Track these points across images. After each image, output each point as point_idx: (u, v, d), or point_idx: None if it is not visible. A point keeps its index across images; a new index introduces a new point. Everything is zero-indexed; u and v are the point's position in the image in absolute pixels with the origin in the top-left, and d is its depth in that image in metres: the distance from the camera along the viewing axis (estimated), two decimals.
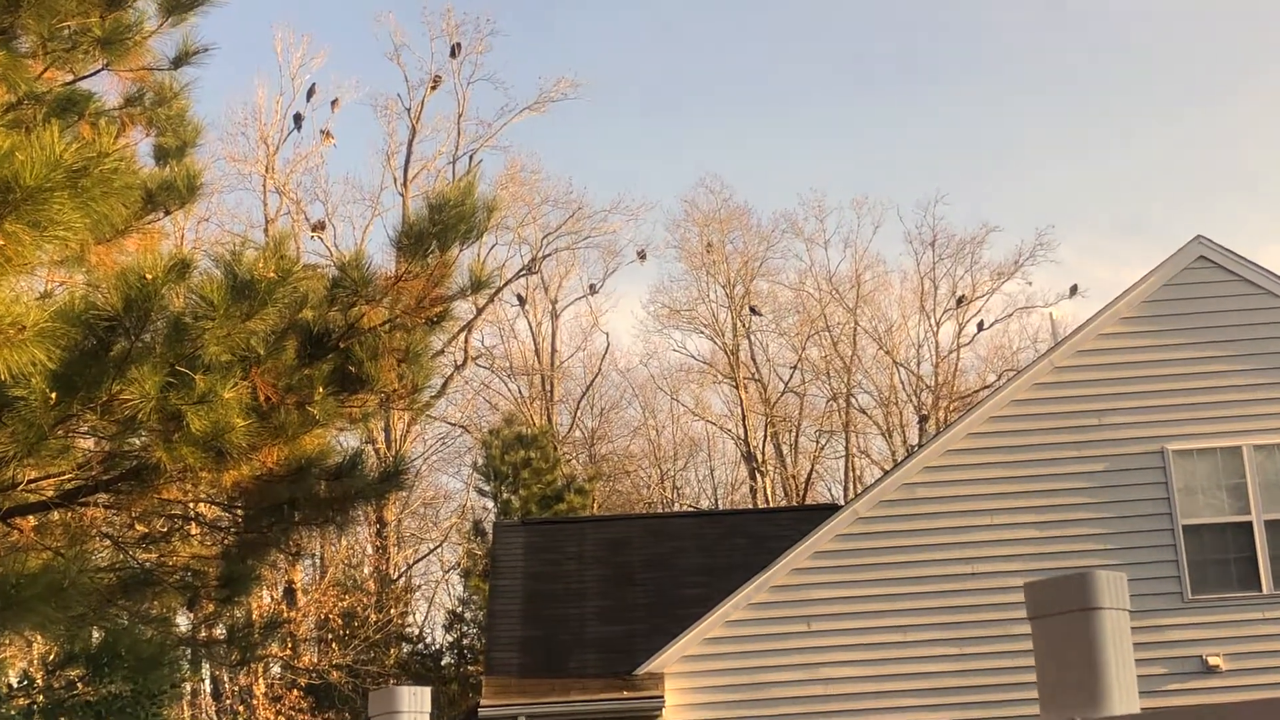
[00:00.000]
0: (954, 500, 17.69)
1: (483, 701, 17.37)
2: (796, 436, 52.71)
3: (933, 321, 51.56)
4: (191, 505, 12.22)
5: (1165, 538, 17.26)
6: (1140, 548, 17.21)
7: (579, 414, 51.74)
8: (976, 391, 49.37)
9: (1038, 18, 72.04)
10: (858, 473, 51.72)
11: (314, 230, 45.06)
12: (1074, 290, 49.98)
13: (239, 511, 11.73)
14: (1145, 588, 16.84)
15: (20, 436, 8.68)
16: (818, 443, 52.76)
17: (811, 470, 52.29)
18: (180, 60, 11.59)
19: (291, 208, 45.66)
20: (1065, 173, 72.01)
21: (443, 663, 38.07)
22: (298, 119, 45.54)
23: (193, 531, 12.96)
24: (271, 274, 8.91)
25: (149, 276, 8.54)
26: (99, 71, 11.23)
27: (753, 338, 52.70)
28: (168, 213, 11.88)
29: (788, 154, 72.29)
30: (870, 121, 72.79)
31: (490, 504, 40.17)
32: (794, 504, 48.22)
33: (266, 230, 42.85)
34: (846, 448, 51.59)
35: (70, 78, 11.24)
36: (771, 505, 47.96)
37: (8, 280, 7.22)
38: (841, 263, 54.59)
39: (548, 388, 50.68)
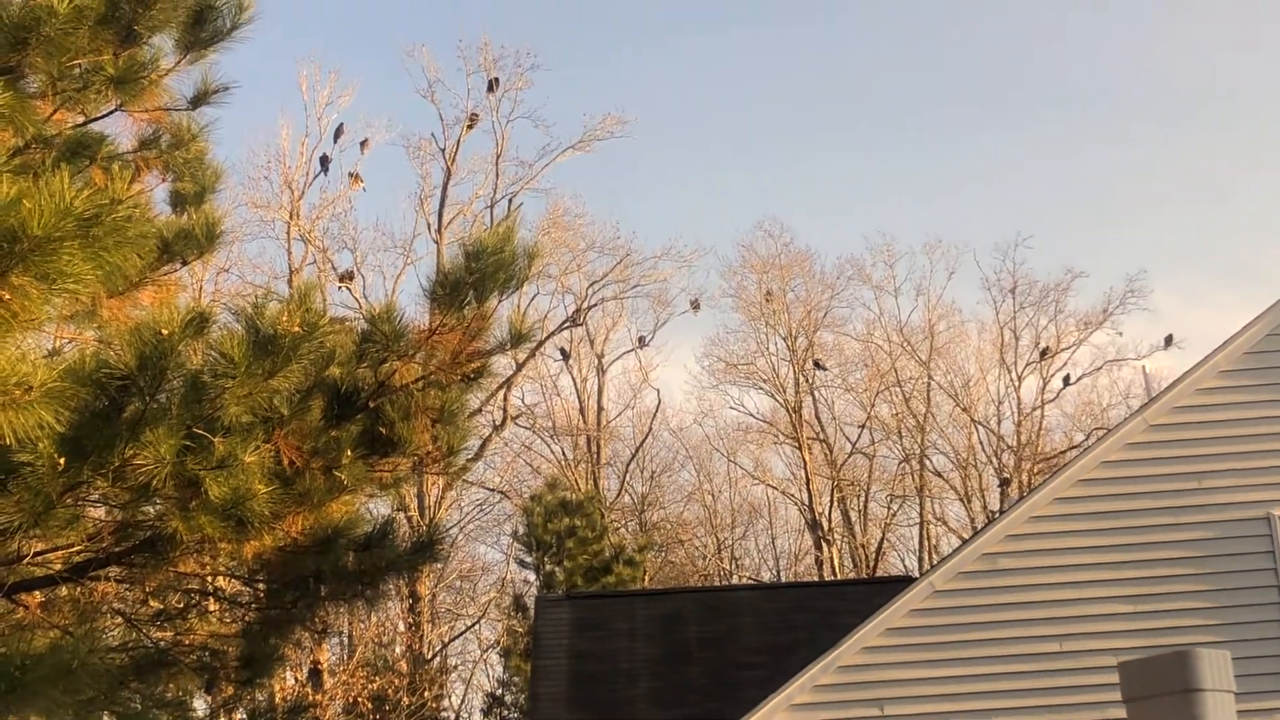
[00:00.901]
0: (1040, 572, 17.53)
1: None
2: (866, 502, 52.51)
3: (1014, 376, 51.36)
4: (210, 579, 12.27)
5: (1272, 612, 17.03)
6: (1245, 623, 16.99)
7: (628, 478, 51.75)
8: (1063, 452, 49.01)
9: (1127, 52, 72.03)
10: (933, 542, 51.41)
11: (341, 281, 45.37)
12: (1169, 341, 49.65)
13: (261, 586, 11.75)
14: (1251, 667, 16.60)
15: (26, 505, 8.73)
16: (889, 509, 52.57)
17: (882, 539, 52.02)
18: (199, 100, 11.70)
19: (317, 256, 46.04)
20: (1159, 214, 71.77)
21: None
22: (324, 161, 45.97)
23: (211, 608, 12.99)
24: (296, 328, 8.95)
25: (165, 332, 8.60)
26: (112, 112, 11.35)
27: (817, 394, 52.63)
28: (185, 263, 11.98)
29: (853, 195, 72.46)
30: (944, 160, 72.88)
31: (532, 576, 40.16)
32: (863, 576, 47.89)
33: (291, 281, 43.19)
34: (921, 514, 51.31)
35: (81, 119, 11.36)
36: (839, 577, 47.67)
37: (13, 337, 7.29)
38: (913, 312, 54.58)
39: (594, 449, 50.70)
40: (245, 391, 9.01)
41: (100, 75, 10.63)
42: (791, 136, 74.28)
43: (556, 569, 37.97)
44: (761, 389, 52.35)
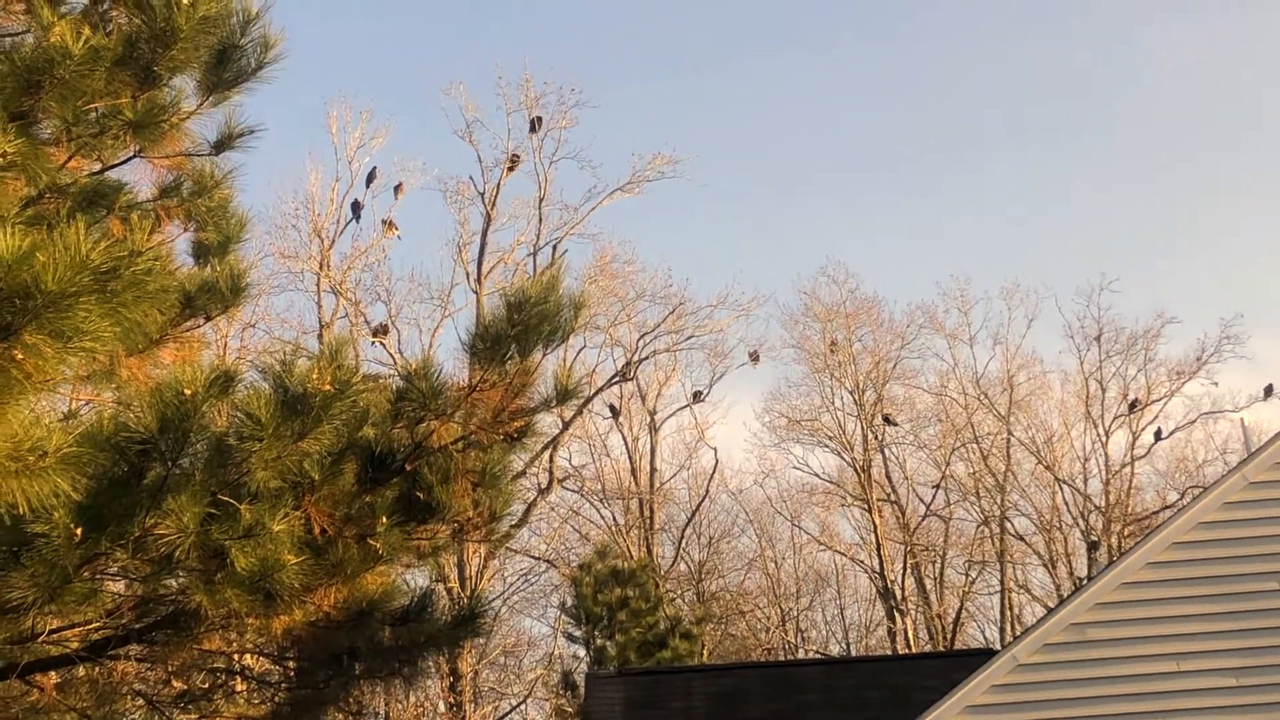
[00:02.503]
0: (1133, 643, 17.36)
1: None
2: (942, 569, 52.19)
3: (1101, 430, 51.04)
4: (237, 657, 12.28)
5: None
6: None
7: (684, 544, 51.61)
8: (1155, 513, 48.62)
9: (1217, 74, 71.84)
10: (1015, 611, 51.01)
11: (375, 335, 45.55)
12: (1269, 392, 49.23)
13: (291, 664, 11.76)
14: None
15: (41, 580, 8.75)
16: (967, 576, 52.25)
17: (960, 609, 51.66)
18: (223, 144, 11.77)
19: (349, 309, 46.26)
20: (1255, 254, 71.33)
21: None
22: (356, 208, 46.23)
23: (238, 688, 13.00)
24: (327, 386, 8.99)
25: (187, 392, 8.64)
26: (130, 159, 11.43)
27: (887, 452, 52.48)
28: (209, 318, 12.06)
29: (923, 237, 72.35)
30: (1019, 197, 72.75)
31: (581, 651, 40.03)
32: (940, 649, 47.59)
33: (321, 336, 43.39)
34: (1002, 581, 50.92)
35: (98, 166, 11.46)
36: (914, 651, 47.35)
37: (27, 399, 7.32)
38: (990, 362, 54.45)
39: (647, 514, 50.61)
40: (273, 455, 9.04)
41: (118, 120, 10.69)
42: (851, 171, 74.46)
43: (608, 643, 37.85)
44: (827, 447, 52.27)
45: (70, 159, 10.80)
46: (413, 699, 39.92)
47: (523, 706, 46.84)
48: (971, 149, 75.41)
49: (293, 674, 11.87)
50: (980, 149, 75.25)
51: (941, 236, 73.27)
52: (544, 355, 10.64)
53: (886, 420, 51.20)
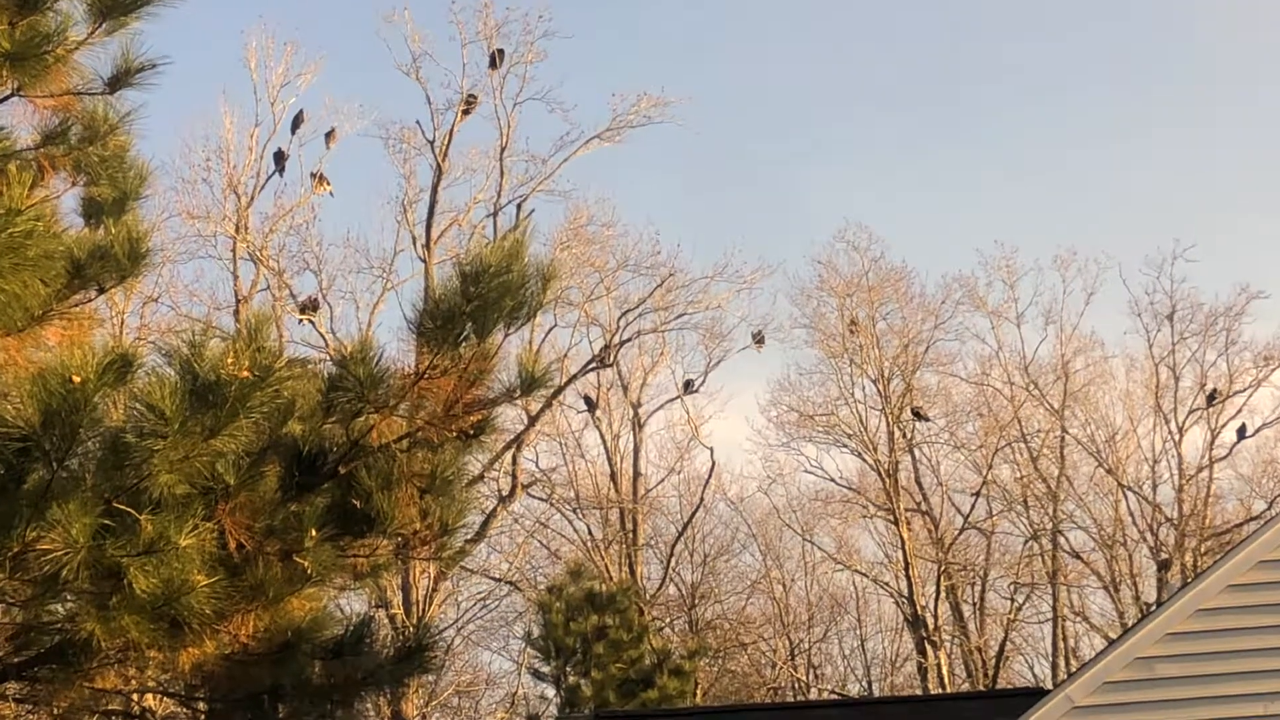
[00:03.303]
0: (1210, 681, 17.41)
1: None
2: (983, 592, 52.28)
3: (1174, 427, 51.12)
4: (136, 697, 12.27)
5: None
6: None
7: (674, 563, 51.63)
8: (1238, 526, 48.71)
9: None
10: (1070, 643, 51.14)
11: (303, 312, 45.50)
12: None
13: (201, 705, 11.77)
14: None
15: None
16: (1013, 601, 52.28)
17: (1004, 640, 51.75)
18: (119, 81, 11.72)
19: (272, 281, 46.18)
20: None
21: None
22: (279, 158, 46.10)
23: None
24: (245, 373, 8.99)
25: (76, 379, 8.63)
26: (7, 98, 11.40)
27: (918, 453, 52.48)
28: (102, 290, 12.01)
29: (960, 194, 72.37)
30: (1075, 146, 72.77)
31: (550, 691, 40.07)
32: (981, 688, 47.64)
33: (238, 313, 43.32)
34: (1054, 608, 51.03)
35: None
36: (949, 690, 47.42)
37: None
38: (1042, 344, 54.20)
39: (629, 526, 50.63)
40: (180, 455, 9.03)
41: None
42: (871, 117, 74.48)
43: (582, 681, 37.88)
44: (845, 447, 52.25)
45: None
46: None
47: None
48: (1016, 90, 75.53)
49: (203, 717, 11.88)
50: (1027, 90, 75.37)
51: (981, 194, 73.40)
52: (506, 336, 10.66)
53: (916, 415, 51.17)
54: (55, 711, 11.94)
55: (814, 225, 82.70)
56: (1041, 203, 72.94)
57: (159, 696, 12.40)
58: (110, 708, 12.18)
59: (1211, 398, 50.70)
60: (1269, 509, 47.41)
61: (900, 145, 75.21)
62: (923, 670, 49.85)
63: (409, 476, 10.75)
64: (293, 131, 46.50)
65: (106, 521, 8.98)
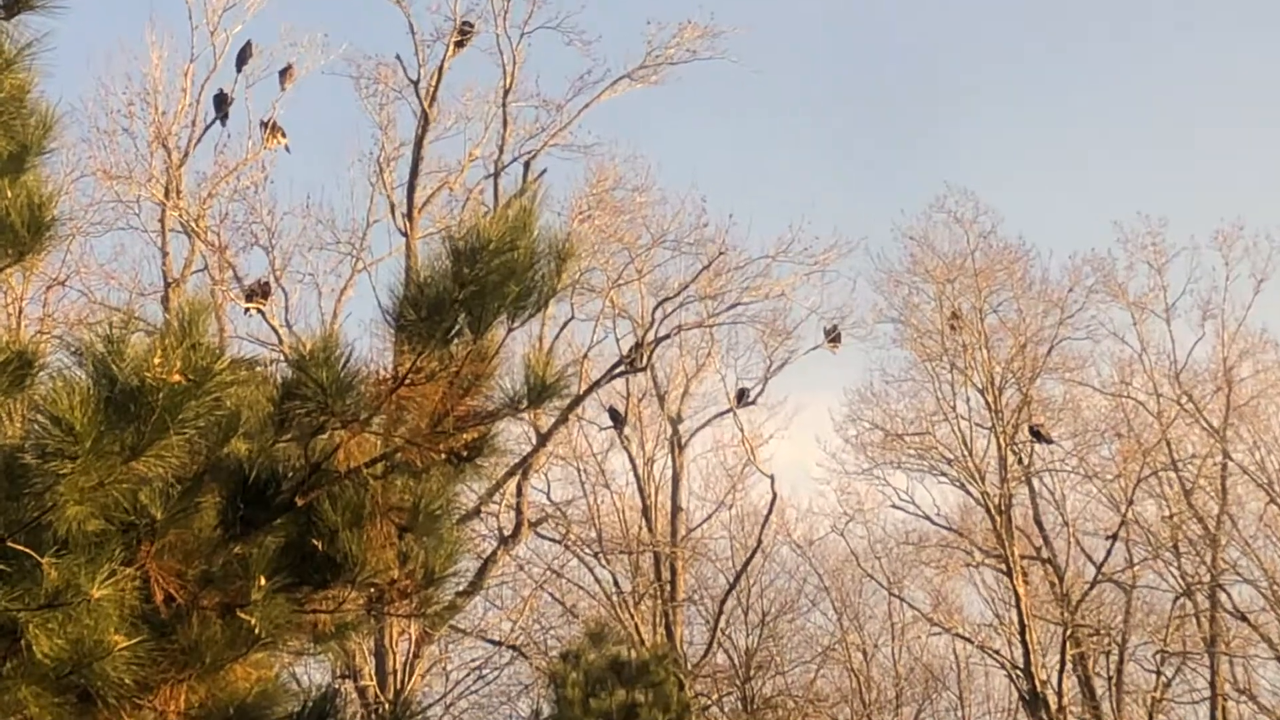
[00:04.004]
0: None
1: None
2: (1120, 663, 52.19)
3: None
4: None
5: None
6: None
7: (724, 623, 51.64)
8: None
9: None
10: None
11: (250, 299, 45.40)
12: None
13: None
14: None
15: None
16: (1159, 674, 52.21)
17: None
18: (17, 3, 11.77)
19: (211, 259, 46.20)
20: None
21: None
22: (221, 103, 45.97)
23: None
24: (176, 376, 8.99)
25: None
26: None
27: (1037, 484, 52.40)
28: None
29: (1093, 155, 72.18)
30: (1242, 91, 72.66)
31: None
32: None
33: (168, 300, 43.40)
34: (1213, 683, 51.02)
35: None
36: None
37: None
38: (1198, 344, 54.11)
39: (666, 576, 50.64)
40: (93, 481, 9.05)
41: None
42: (974, 57, 74.41)
43: None
44: (944, 476, 52.20)
45: None
46: None
47: None
48: (1173, 26, 75.46)
49: None
50: (1176, 25, 75.30)
51: (1120, 152, 73.26)
52: (510, 331, 10.62)
53: (1036, 435, 51.02)
54: None
55: (903, 191, 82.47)
56: (1199, 164, 72.88)
57: None
58: None
59: None
60: None
61: (1017, 92, 75.13)
62: None
63: (385, 510, 10.74)
64: (238, 69, 46.20)
65: (0, 566, 9.02)
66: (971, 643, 53.34)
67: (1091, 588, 52.06)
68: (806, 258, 49.57)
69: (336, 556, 10.62)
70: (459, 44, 47.37)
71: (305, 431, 10.46)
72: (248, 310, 45.33)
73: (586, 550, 50.71)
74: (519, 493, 46.48)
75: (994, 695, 55.19)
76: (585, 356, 47.79)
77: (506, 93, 47.89)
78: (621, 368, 48.85)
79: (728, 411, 51.69)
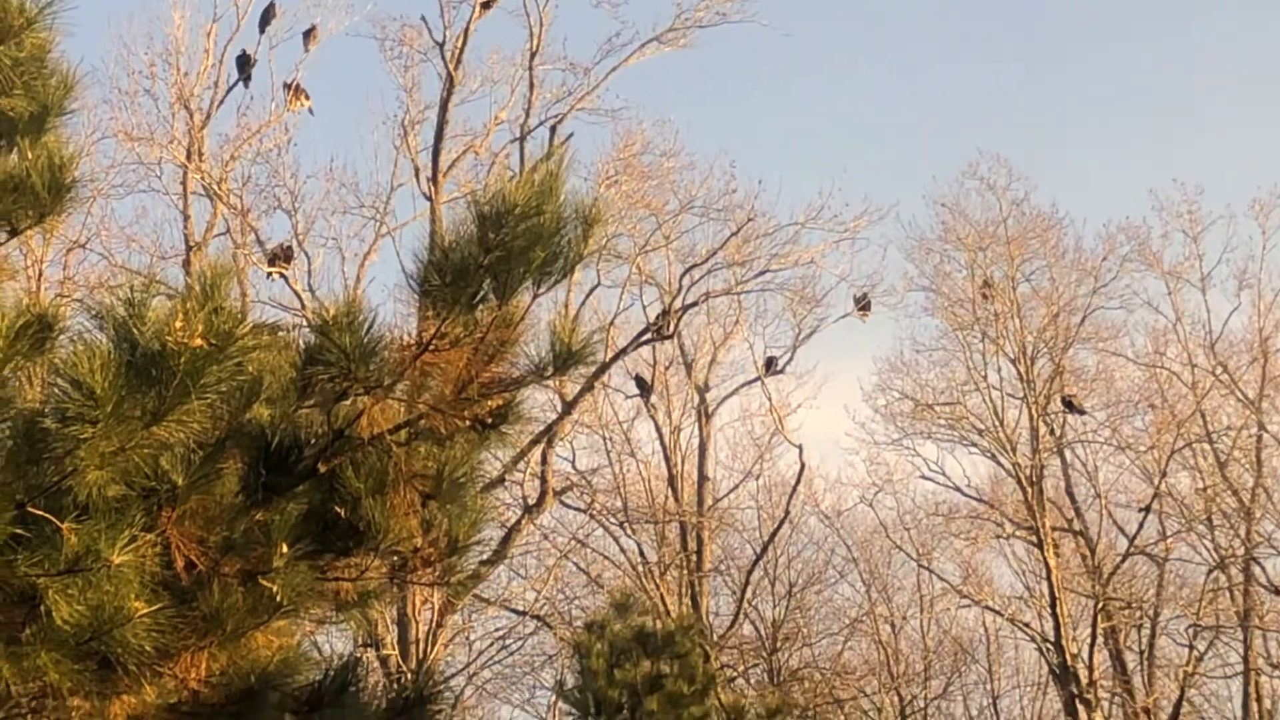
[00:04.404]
0: None
1: None
2: (1153, 637, 52.15)
3: None
4: None
5: None
6: None
7: (751, 594, 51.59)
8: None
9: None
10: (1266, 703, 50.97)
11: (273, 264, 45.32)
12: None
13: None
14: None
15: None
16: (1192, 648, 52.10)
17: (1181, 698, 51.62)
18: None
19: (234, 222, 46.19)
20: None
21: None
22: (244, 64, 45.86)
23: None
24: (198, 341, 8.98)
25: None
26: None
27: (1070, 454, 52.31)
28: (15, 232, 12.06)
29: (1126, 119, 72.02)
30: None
31: None
32: None
33: (189, 263, 43.40)
34: (1246, 658, 50.94)
35: None
36: None
37: None
38: (1234, 314, 53.96)
39: (692, 547, 50.61)
40: (113, 446, 9.05)
41: None
42: (1020, 25, 74.19)
43: None
44: (975, 446, 52.12)
45: None
46: None
47: None
48: None
49: None
50: None
51: (1155, 117, 73.03)
52: (535, 297, 10.58)
53: (1069, 406, 50.90)
54: None
55: (936, 156, 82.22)
56: (1236, 130, 72.64)
57: None
58: None
59: None
60: None
61: (1048, 52, 74.94)
62: None
63: (408, 477, 10.73)
64: (261, 30, 46.06)
65: (19, 531, 9.01)
66: (1001, 615, 53.29)
67: (1123, 560, 52.01)
68: (836, 224, 49.44)
69: (359, 524, 10.61)
70: (485, 5, 47.19)
71: (328, 397, 10.45)
72: (270, 274, 45.29)
73: (612, 520, 50.67)
74: (544, 461, 46.50)
75: (1024, 669, 55.23)
76: (611, 324, 47.61)
77: (533, 56, 47.86)
78: (648, 335, 48.78)
79: (755, 380, 51.57)
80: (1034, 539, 50.52)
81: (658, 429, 51.67)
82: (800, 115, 73.52)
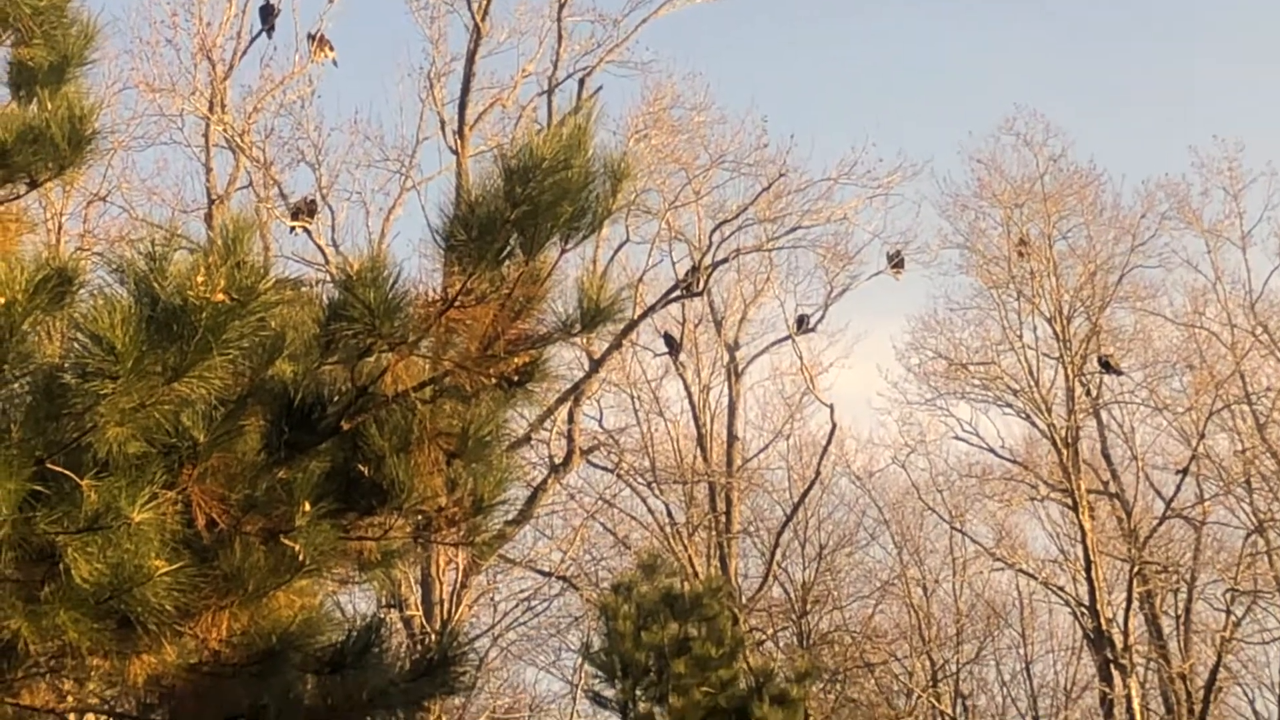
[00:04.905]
0: None
1: None
2: (1189, 602, 52.13)
3: None
4: (74, 717, 12.38)
5: None
6: None
7: (780, 556, 51.61)
8: None
9: None
10: None
11: (296, 218, 45.36)
12: None
13: None
14: None
15: None
16: (1229, 614, 52.05)
17: (1218, 665, 51.57)
18: None
19: (256, 176, 46.14)
20: None
21: None
22: (267, 14, 45.75)
23: None
24: (220, 296, 8.98)
25: (1, 300, 8.66)
26: None
27: (1106, 415, 52.25)
28: (34, 184, 12.08)
29: (1166, 76, 71.81)
30: None
31: None
32: None
33: (211, 217, 43.39)
34: None
35: None
36: None
37: None
38: (1275, 273, 53.86)
39: (721, 507, 50.62)
40: (134, 402, 9.05)
41: None
42: None
43: (656, 709, 37.96)
44: (1009, 407, 52.05)
45: None
46: None
47: None
48: None
49: None
50: None
51: (1196, 74, 72.86)
52: (563, 253, 10.58)
53: (1105, 366, 50.77)
54: None
55: (970, 110, 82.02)
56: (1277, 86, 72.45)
57: (106, 717, 12.49)
58: None
59: None
60: None
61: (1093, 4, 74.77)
62: (1107, 703, 49.80)
63: (433, 435, 10.74)
64: None
65: (38, 487, 9.02)
66: (1035, 579, 53.23)
67: (1160, 523, 51.96)
68: (870, 180, 49.03)
69: (383, 482, 10.62)
70: None
71: (351, 354, 10.45)
72: (293, 229, 45.32)
73: (639, 480, 50.69)
74: (570, 420, 46.49)
75: (1058, 633, 55.20)
76: (640, 280, 47.45)
77: (562, 7, 47.69)
78: (677, 292, 48.65)
79: (786, 338, 51.47)
80: (1069, 501, 50.43)
81: (686, 388, 51.62)
82: (835, 62, 73.33)
